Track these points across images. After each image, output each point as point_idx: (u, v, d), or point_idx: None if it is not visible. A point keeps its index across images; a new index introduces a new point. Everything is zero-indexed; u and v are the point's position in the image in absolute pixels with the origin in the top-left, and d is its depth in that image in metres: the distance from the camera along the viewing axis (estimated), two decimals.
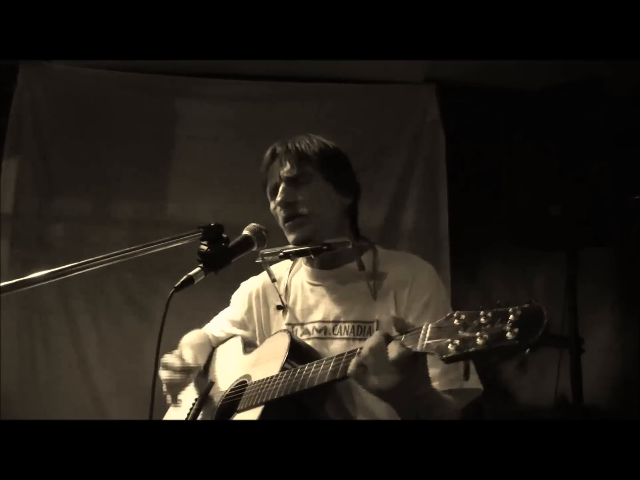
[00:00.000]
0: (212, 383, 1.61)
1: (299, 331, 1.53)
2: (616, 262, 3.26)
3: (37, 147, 3.15)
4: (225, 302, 1.79)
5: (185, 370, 1.50)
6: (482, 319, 0.93)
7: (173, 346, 1.60)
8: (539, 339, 0.86)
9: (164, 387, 1.53)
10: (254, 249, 1.36)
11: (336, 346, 1.45)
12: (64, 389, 3.04)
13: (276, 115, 3.25)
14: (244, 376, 1.51)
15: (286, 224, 1.51)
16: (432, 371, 1.27)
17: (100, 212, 3.25)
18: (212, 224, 1.27)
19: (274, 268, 1.62)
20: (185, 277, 1.20)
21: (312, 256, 1.50)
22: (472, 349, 0.92)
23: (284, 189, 1.49)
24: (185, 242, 1.24)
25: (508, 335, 0.88)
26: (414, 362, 1.07)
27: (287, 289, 1.60)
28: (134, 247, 1.16)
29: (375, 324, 1.44)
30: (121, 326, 3.13)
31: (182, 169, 3.25)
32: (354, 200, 1.59)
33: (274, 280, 1.59)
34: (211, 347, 1.74)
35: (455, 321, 0.97)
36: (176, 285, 1.18)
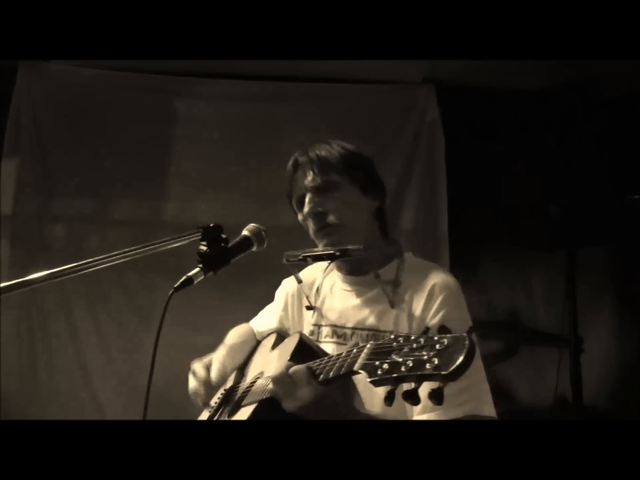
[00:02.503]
0: (244, 377, 1.64)
1: (323, 332, 1.53)
2: (616, 263, 3.26)
3: (37, 147, 3.15)
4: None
5: (207, 384, 1.54)
6: (414, 345, 0.94)
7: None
8: (453, 373, 0.86)
9: (190, 394, 1.57)
10: (254, 249, 1.36)
11: None
12: (63, 389, 3.05)
13: (276, 115, 3.25)
14: (259, 373, 1.52)
15: (317, 234, 1.48)
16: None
17: (100, 212, 3.24)
18: (211, 224, 1.26)
19: (310, 268, 1.63)
20: (184, 277, 1.20)
21: (328, 261, 1.51)
22: (395, 374, 0.93)
23: (311, 199, 1.46)
24: (185, 242, 1.24)
25: (427, 365, 0.89)
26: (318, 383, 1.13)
27: (318, 290, 1.60)
28: (134, 247, 1.16)
29: (390, 334, 1.43)
30: (121, 326, 3.13)
31: (182, 169, 3.25)
32: (381, 202, 1.55)
33: (299, 282, 1.59)
34: (255, 342, 1.75)
35: (394, 343, 0.98)
36: (175, 285, 1.18)
